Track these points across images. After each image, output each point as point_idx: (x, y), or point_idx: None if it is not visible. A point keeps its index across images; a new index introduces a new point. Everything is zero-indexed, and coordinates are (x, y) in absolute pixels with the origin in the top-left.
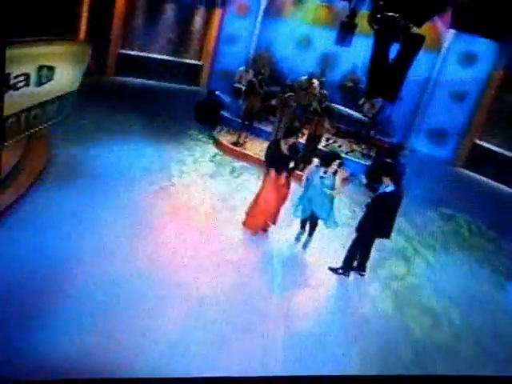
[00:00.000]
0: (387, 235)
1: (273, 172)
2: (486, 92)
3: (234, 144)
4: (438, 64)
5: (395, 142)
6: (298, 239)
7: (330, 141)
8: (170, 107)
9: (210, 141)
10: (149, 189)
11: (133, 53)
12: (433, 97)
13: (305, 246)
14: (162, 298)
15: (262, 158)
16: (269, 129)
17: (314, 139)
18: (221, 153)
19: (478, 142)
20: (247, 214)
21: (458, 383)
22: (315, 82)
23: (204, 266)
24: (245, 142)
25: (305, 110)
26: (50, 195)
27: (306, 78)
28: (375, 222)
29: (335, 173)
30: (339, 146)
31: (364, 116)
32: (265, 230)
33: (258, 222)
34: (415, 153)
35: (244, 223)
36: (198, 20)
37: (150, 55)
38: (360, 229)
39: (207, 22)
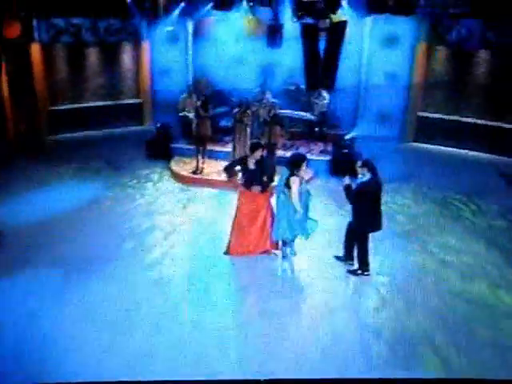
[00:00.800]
0: (378, 226)
1: (244, 190)
2: (415, 65)
3: (193, 172)
4: (365, 50)
5: (344, 129)
6: (285, 257)
7: (288, 145)
8: (117, 152)
9: (168, 175)
10: (118, 234)
11: (65, 107)
12: (369, 82)
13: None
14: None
15: (222, 179)
16: (224, 149)
17: (269, 147)
18: (181, 184)
19: (420, 114)
20: (229, 241)
21: None
22: (268, 93)
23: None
24: (203, 169)
25: (259, 122)
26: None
27: (258, 90)
28: (362, 215)
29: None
30: (297, 149)
31: (312, 115)
32: (268, 252)
33: (243, 244)
34: (366, 139)
35: (227, 250)
36: (127, 57)
37: (84, 105)
38: (350, 225)
39: (137, 57)
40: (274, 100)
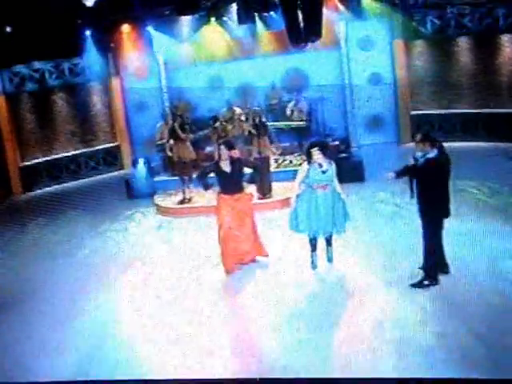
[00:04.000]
0: (447, 212)
1: (224, 196)
2: (396, 64)
3: (181, 202)
4: (344, 55)
5: (339, 137)
6: (314, 265)
7: (280, 161)
8: (97, 200)
9: (153, 210)
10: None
11: (37, 161)
12: (353, 87)
13: (329, 259)
14: None
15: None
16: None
17: (262, 162)
18: (168, 217)
19: (413, 113)
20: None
21: None
22: (237, 109)
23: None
24: (191, 198)
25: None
26: None
27: (225, 109)
28: (432, 197)
29: (330, 163)
30: (290, 162)
31: (300, 121)
32: (241, 263)
33: (231, 256)
34: (363, 147)
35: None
36: (98, 97)
37: (57, 156)
38: (421, 211)
39: (108, 96)
40: (256, 107)
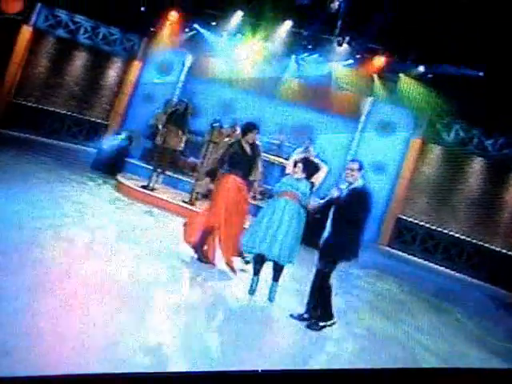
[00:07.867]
0: (355, 252)
1: (232, 176)
2: (405, 161)
3: (143, 187)
4: (358, 131)
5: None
6: (252, 291)
7: (258, 198)
8: (62, 161)
9: (111, 184)
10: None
11: (28, 104)
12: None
13: (271, 298)
14: None
15: (174, 202)
16: (186, 178)
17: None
18: (122, 196)
19: (400, 216)
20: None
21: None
22: (238, 129)
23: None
24: (155, 188)
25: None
26: None
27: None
28: (343, 228)
29: (308, 181)
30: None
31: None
32: (206, 258)
33: (196, 232)
34: None
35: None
36: (112, 74)
37: (46, 108)
38: (324, 243)
39: (122, 77)
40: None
